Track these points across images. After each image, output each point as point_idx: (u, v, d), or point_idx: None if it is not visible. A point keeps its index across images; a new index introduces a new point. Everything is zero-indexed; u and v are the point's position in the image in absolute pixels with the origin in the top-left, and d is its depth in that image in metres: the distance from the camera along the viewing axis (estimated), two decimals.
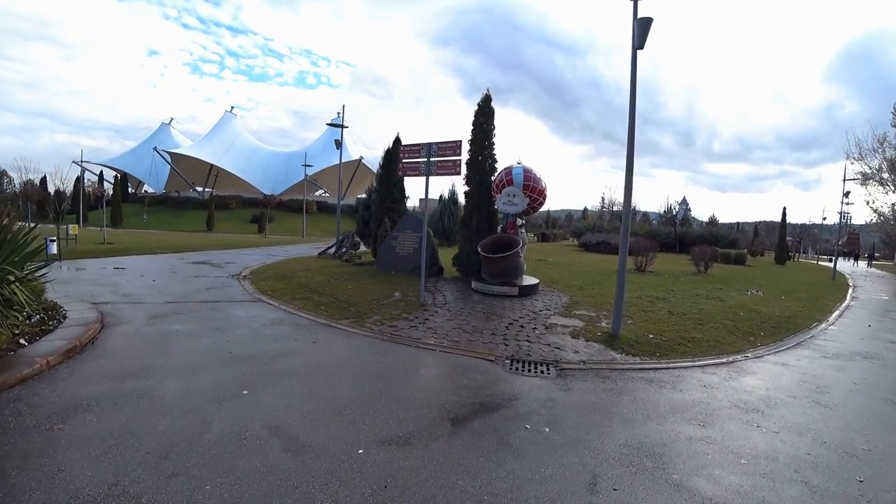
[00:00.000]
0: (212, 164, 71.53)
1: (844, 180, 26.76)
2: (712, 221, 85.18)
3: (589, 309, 9.87)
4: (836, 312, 12.15)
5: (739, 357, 7.35)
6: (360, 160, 70.08)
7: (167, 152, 71.83)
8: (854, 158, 30.28)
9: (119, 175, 76.53)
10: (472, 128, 13.71)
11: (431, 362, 6.50)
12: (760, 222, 75.23)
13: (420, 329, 8.09)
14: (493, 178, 12.53)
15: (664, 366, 6.64)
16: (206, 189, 72.41)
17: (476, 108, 13.76)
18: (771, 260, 36.18)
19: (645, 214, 64.45)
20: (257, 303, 9.79)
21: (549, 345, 7.43)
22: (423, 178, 10.19)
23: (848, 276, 26.92)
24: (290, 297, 10.29)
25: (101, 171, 75.51)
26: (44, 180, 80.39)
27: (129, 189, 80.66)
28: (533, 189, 11.68)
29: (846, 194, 26.68)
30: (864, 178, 32.59)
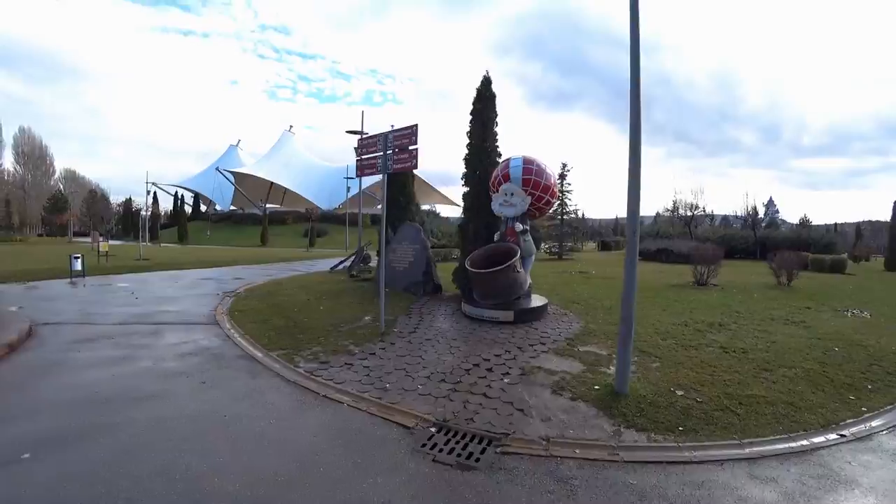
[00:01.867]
0: (271, 182, 73.59)
1: None
2: (803, 223, 75.79)
3: (601, 344, 7.11)
4: None
5: (830, 437, 4.39)
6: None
7: (230, 171, 74.85)
8: None
9: (193, 195, 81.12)
10: (469, 118, 11.42)
11: (317, 425, 4.51)
12: (864, 222, 65.68)
13: (352, 369, 6.10)
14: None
15: (684, 458, 3.91)
16: (267, 205, 74.74)
17: (474, 93, 11.48)
18: (880, 266, 30.17)
19: (725, 218, 58.51)
20: (209, 326, 8.62)
21: (511, 402, 4.99)
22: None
23: None
24: (249, 319, 9.11)
25: (176, 192, 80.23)
26: (128, 202, 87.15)
27: (202, 207, 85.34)
28: (536, 185, 9.09)
29: None
30: None
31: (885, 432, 4.53)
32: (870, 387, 5.66)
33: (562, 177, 27.42)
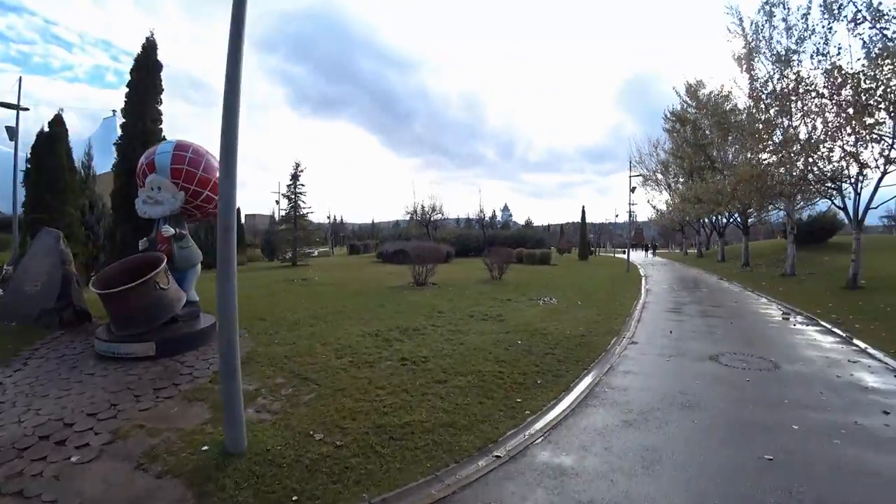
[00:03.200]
0: None
1: (630, 177, 27.54)
2: (528, 224, 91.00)
3: (256, 375, 5.50)
4: (635, 317, 9.80)
5: (482, 463, 3.61)
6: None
7: None
8: (636, 162, 36.27)
9: None
10: (126, 90, 8.69)
11: None
12: (568, 223, 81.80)
13: None
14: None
15: None
16: None
17: (133, 63, 8.83)
18: (576, 256, 37.02)
19: (468, 220, 65.24)
20: None
21: (55, 502, 2.89)
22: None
23: (639, 266, 27.81)
24: None
25: None
26: None
27: None
28: (190, 177, 7.02)
29: (632, 190, 27.54)
30: (645, 180, 38.05)
31: (540, 440, 3.98)
32: (539, 381, 5.36)
33: (294, 177, 25.38)
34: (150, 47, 8.89)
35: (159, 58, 9.02)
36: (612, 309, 10.64)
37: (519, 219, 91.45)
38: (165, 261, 6.55)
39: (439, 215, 38.63)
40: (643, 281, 18.58)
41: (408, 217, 39.65)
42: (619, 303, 11.74)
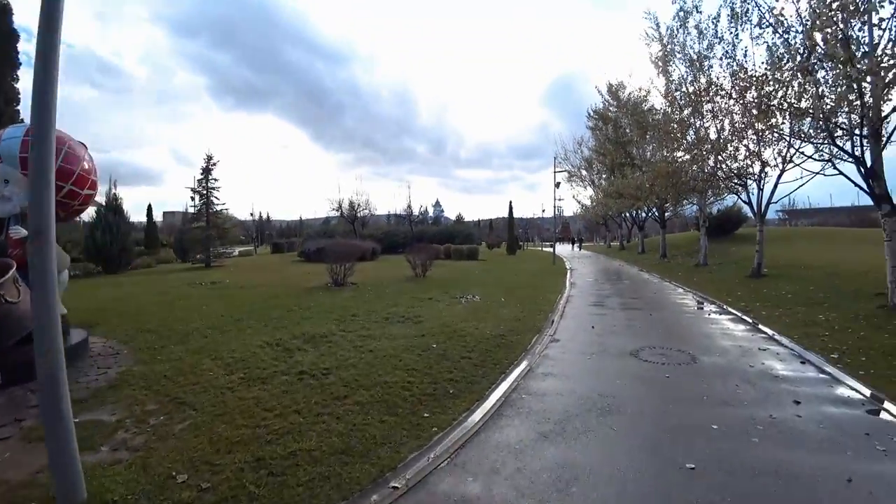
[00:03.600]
0: None
1: (555, 172, 28.01)
2: (458, 220, 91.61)
3: (123, 403, 4.61)
4: (559, 312, 9.63)
5: (376, 498, 3.02)
6: None
7: None
8: (561, 159, 36.95)
9: None
10: None
11: None
12: (497, 218, 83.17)
13: None
14: None
15: None
16: None
17: None
18: (505, 251, 37.40)
19: (398, 216, 64.36)
20: None
21: None
22: None
23: (565, 259, 28.46)
24: None
25: None
26: None
27: None
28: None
29: (557, 185, 28.16)
30: (570, 176, 39.33)
31: (445, 464, 3.44)
32: (451, 391, 4.85)
33: (206, 171, 23.41)
34: (3, 11, 7.51)
35: (16, 25, 7.66)
36: (536, 304, 10.44)
37: (451, 214, 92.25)
38: (14, 268, 5.41)
39: (366, 211, 37.51)
40: (568, 274, 18.83)
41: (333, 212, 38.09)
42: (543, 297, 11.61)
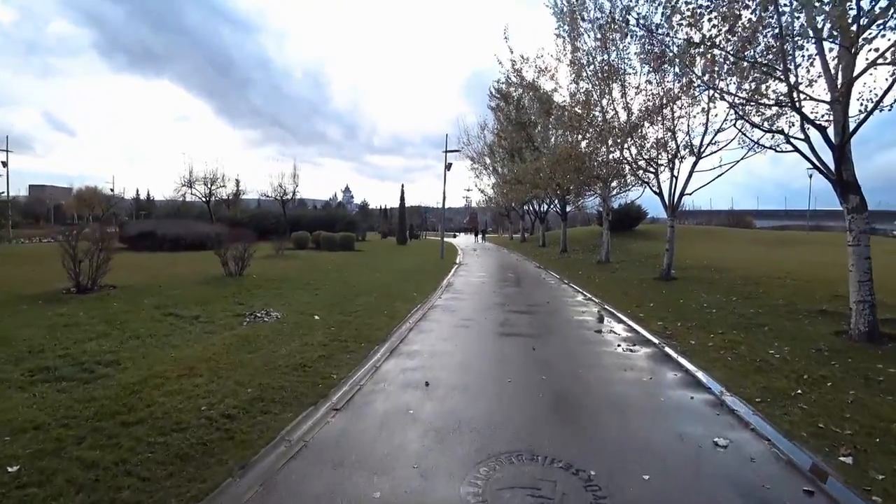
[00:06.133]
0: None
1: (446, 153, 24.27)
2: (363, 207, 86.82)
3: None
4: (389, 344, 5.96)
5: None
6: None
7: None
8: (464, 143, 34.79)
9: None
10: None
11: None
12: (409, 207, 79.47)
13: None
14: None
15: None
16: None
17: None
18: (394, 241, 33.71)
19: (302, 202, 58.22)
20: None
21: None
22: None
23: (461, 252, 25.39)
24: None
25: None
26: None
27: None
28: None
29: (448, 167, 24.04)
30: (473, 162, 36.53)
31: None
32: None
33: None
34: None
35: None
36: (367, 325, 6.79)
37: (367, 200, 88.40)
38: None
39: (222, 187, 31.40)
40: (453, 271, 15.52)
41: (181, 192, 30.68)
42: (389, 310, 8.00)
